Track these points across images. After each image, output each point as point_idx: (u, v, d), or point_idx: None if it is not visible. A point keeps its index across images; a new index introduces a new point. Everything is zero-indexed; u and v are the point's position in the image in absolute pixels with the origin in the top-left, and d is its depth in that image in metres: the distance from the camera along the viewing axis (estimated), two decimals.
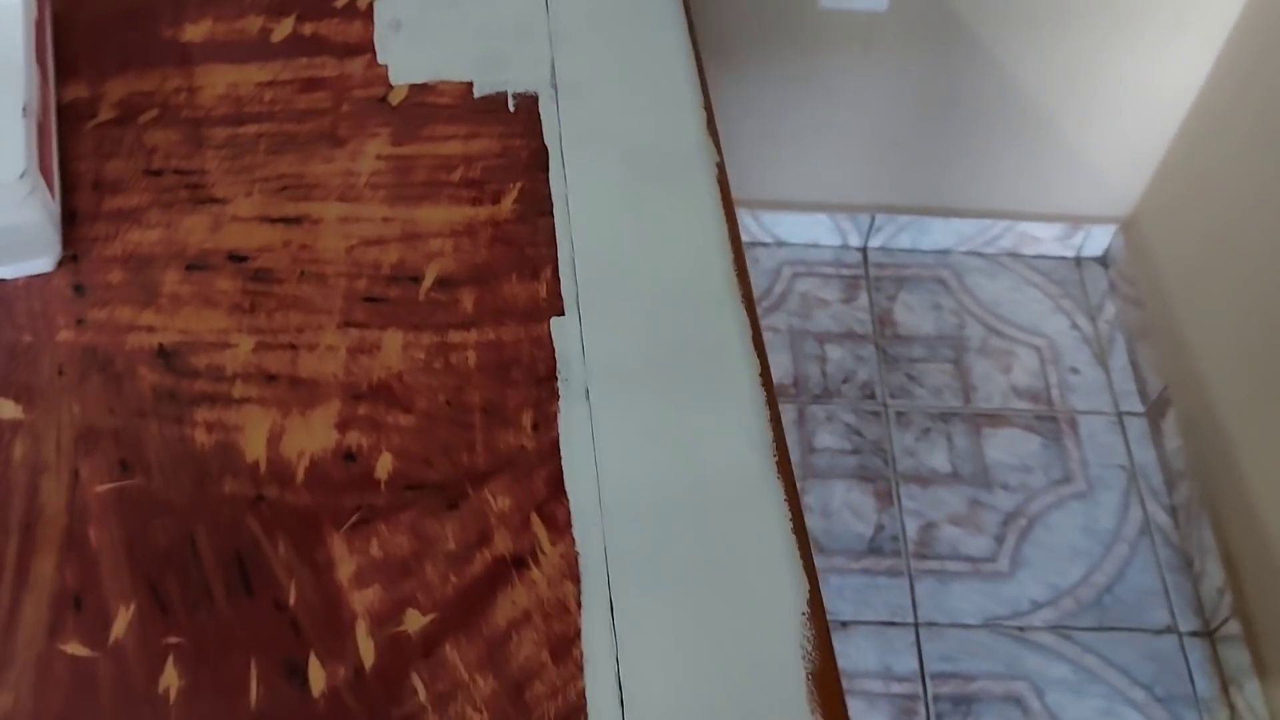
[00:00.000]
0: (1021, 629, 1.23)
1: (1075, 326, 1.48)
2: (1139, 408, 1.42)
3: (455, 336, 0.52)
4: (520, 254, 0.55)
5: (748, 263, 1.48)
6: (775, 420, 0.50)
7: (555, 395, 0.50)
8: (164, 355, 0.51)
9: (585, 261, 0.55)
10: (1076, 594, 1.27)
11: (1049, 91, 1.36)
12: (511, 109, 0.61)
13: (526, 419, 0.49)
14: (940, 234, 1.53)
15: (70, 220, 0.55)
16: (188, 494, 0.47)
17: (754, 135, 1.41)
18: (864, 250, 1.54)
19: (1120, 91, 1.35)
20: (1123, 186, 1.48)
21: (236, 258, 0.54)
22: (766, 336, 1.44)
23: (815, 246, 1.54)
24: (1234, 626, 1.20)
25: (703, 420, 0.50)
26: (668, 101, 0.62)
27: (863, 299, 1.49)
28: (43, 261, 0.53)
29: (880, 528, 1.30)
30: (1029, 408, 1.41)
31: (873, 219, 1.51)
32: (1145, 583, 1.28)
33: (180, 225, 0.55)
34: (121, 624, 0.44)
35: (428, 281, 0.54)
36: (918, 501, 1.32)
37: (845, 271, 1.52)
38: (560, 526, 0.46)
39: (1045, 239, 1.54)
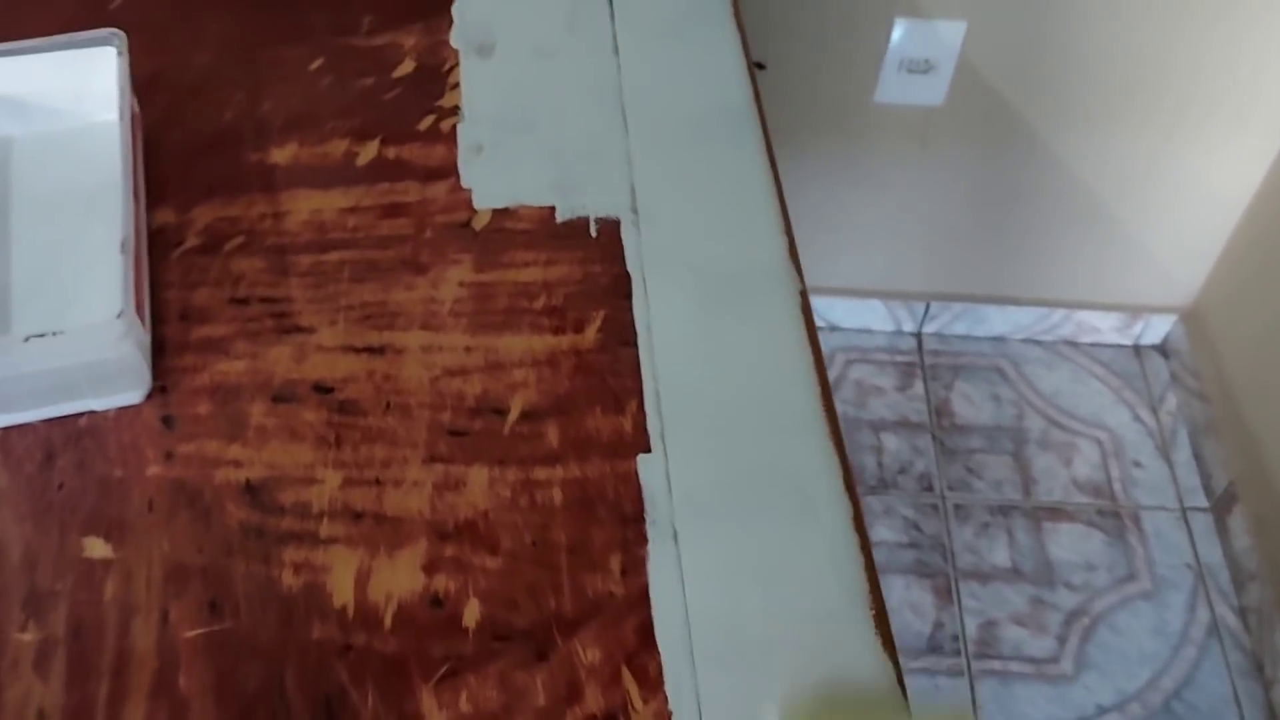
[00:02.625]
0: None
1: (1137, 419, 1.46)
2: (1204, 503, 1.39)
3: (540, 473, 0.51)
4: (603, 385, 0.55)
5: None
6: (870, 569, 0.49)
7: (644, 538, 0.49)
8: (251, 491, 0.51)
9: (669, 393, 0.54)
10: (1144, 699, 1.23)
11: (1107, 185, 1.35)
12: (594, 234, 0.61)
13: (615, 563, 0.49)
14: (997, 322, 1.52)
15: (159, 350, 0.55)
16: (275, 637, 0.47)
17: (805, 220, 1.41)
18: (918, 336, 1.53)
19: (1180, 185, 1.34)
20: (1183, 276, 1.46)
21: (322, 389, 0.54)
22: None
23: (868, 332, 1.53)
24: None
25: (793, 563, 0.49)
26: (749, 226, 0.62)
27: (918, 387, 1.48)
28: (133, 394, 0.53)
29: (940, 625, 1.28)
30: (1091, 502, 1.38)
31: (927, 306, 1.51)
32: (1215, 688, 1.24)
33: (266, 355, 0.55)
34: None
35: (513, 414, 0.53)
36: (978, 599, 1.30)
37: (900, 358, 1.51)
38: (652, 682, 0.45)
39: (1104, 328, 1.52)
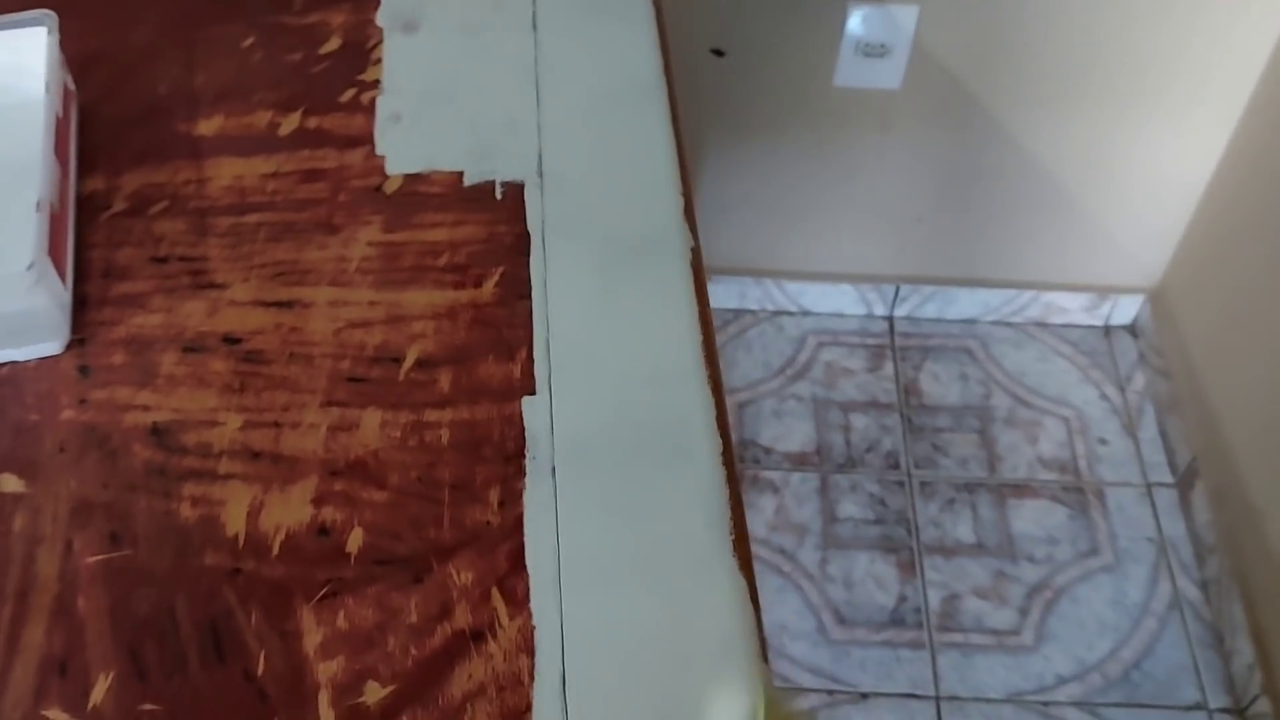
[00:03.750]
0: (1046, 704, 1.22)
1: (1104, 397, 1.48)
2: (1169, 479, 1.41)
3: (431, 415, 0.54)
4: (498, 335, 0.58)
5: (771, 331, 1.50)
6: (735, 499, 0.52)
7: (522, 473, 0.52)
8: (157, 433, 0.54)
9: (559, 343, 0.57)
10: (1103, 669, 1.25)
11: (1068, 165, 1.37)
12: (499, 196, 0.64)
13: (494, 496, 0.52)
14: (966, 304, 1.54)
15: (81, 306, 0.58)
16: (170, 565, 0.50)
17: (774, 207, 1.43)
18: (889, 319, 1.55)
19: (1139, 165, 1.36)
20: (1149, 256, 1.48)
21: (231, 340, 0.57)
22: (789, 404, 1.46)
23: (840, 316, 1.55)
24: (1264, 704, 1.17)
25: (661, 498, 0.52)
26: (649, 190, 0.64)
27: (888, 368, 1.50)
28: (52, 345, 0.56)
29: (903, 599, 1.30)
30: (1056, 478, 1.40)
31: (897, 289, 1.53)
32: (1174, 658, 1.26)
33: (181, 310, 0.58)
34: (100, 690, 0.46)
35: (408, 362, 0.57)
36: (941, 573, 1.32)
37: (870, 341, 1.53)
38: (519, 600, 0.48)
39: (1073, 309, 1.54)
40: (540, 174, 0.65)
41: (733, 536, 0.51)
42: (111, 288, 0.59)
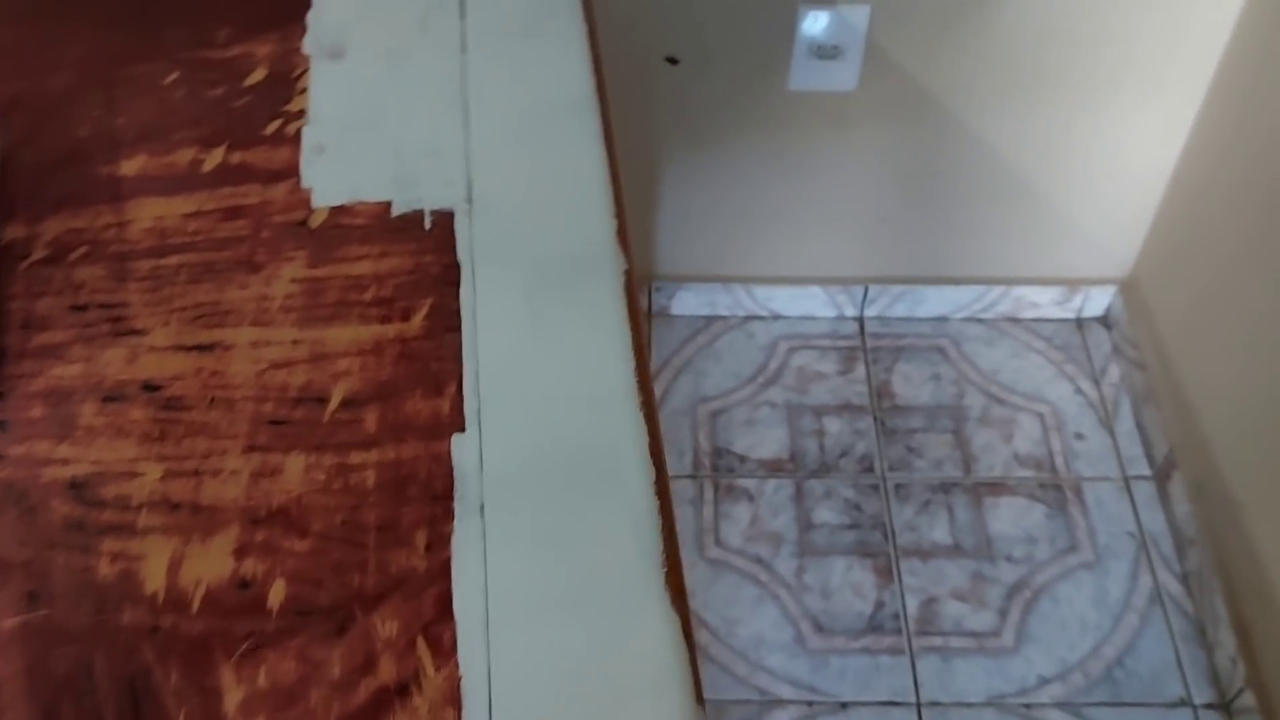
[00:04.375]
0: (1028, 706, 1.21)
1: (1079, 391, 1.47)
2: (1146, 471, 1.40)
3: (356, 457, 0.53)
4: (425, 370, 0.56)
5: (742, 338, 1.49)
6: (668, 529, 0.51)
7: (450, 514, 0.51)
8: (75, 487, 0.52)
9: (489, 375, 0.56)
10: (1085, 668, 1.24)
11: (1031, 157, 1.36)
12: (428, 226, 0.63)
13: (420, 539, 0.50)
14: (936, 302, 1.53)
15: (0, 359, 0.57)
16: (88, 624, 0.48)
17: (738, 212, 1.42)
18: (860, 320, 1.54)
19: (1104, 153, 1.35)
20: (1119, 247, 1.47)
21: (150, 387, 0.56)
22: (763, 411, 1.44)
23: (810, 319, 1.54)
24: (1249, 698, 1.16)
25: (593, 530, 0.50)
26: (581, 212, 0.63)
27: (860, 371, 1.49)
28: None
29: (880, 605, 1.29)
30: (1032, 475, 1.39)
31: (866, 290, 1.52)
32: (1157, 654, 1.25)
33: (100, 359, 0.57)
34: None
35: (333, 402, 0.55)
36: (919, 577, 1.31)
37: (842, 343, 1.52)
38: (445, 650, 0.47)
39: (1044, 303, 1.53)
40: (469, 200, 0.64)
41: (665, 569, 0.49)
42: (31, 339, 0.58)
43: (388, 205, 0.64)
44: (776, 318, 1.54)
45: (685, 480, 1.38)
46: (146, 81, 0.71)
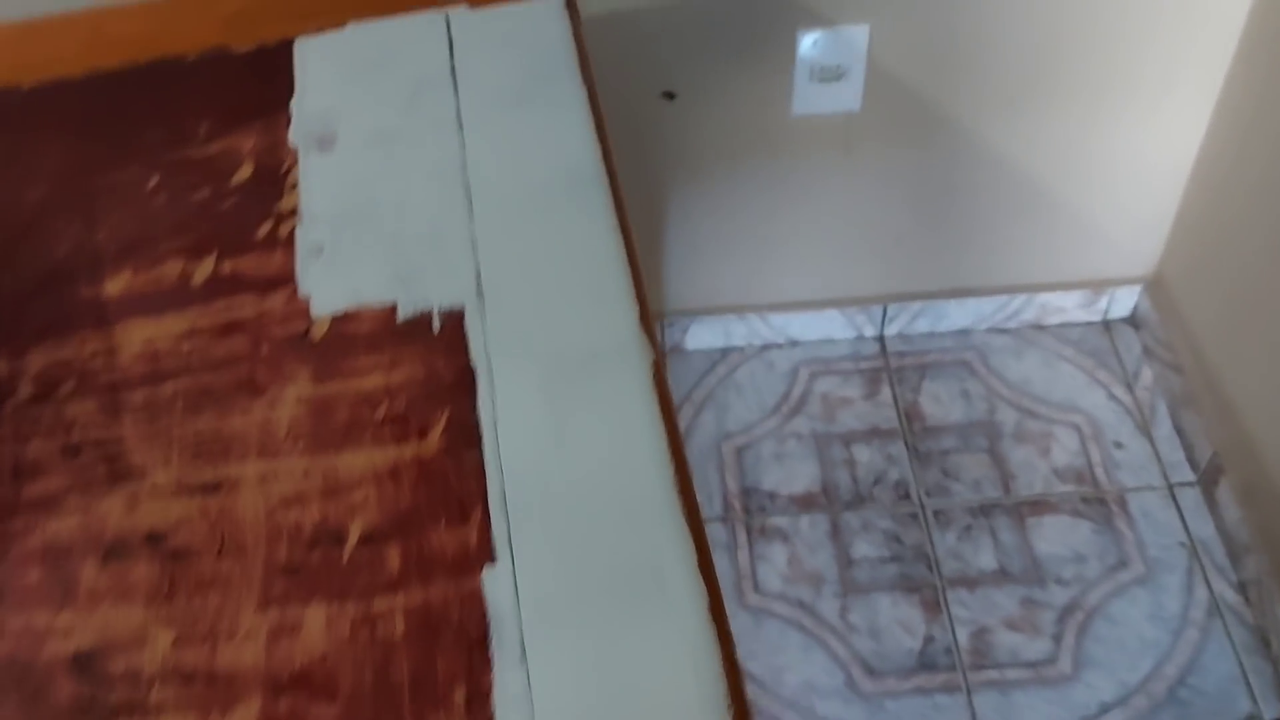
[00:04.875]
0: None
1: (1113, 397, 1.42)
2: (1190, 477, 1.35)
3: (381, 603, 0.49)
4: (447, 493, 0.52)
5: (761, 367, 1.44)
6: (729, 663, 0.46)
7: (488, 662, 0.47)
8: (80, 662, 0.48)
9: (517, 493, 0.52)
10: (1149, 689, 1.19)
11: (1045, 163, 1.31)
12: (436, 329, 0.59)
13: (459, 695, 0.46)
14: (958, 315, 1.49)
15: None
16: None
17: (747, 241, 1.38)
18: (881, 339, 1.49)
19: (1120, 154, 1.31)
20: (1141, 245, 1.42)
21: (154, 538, 0.52)
22: (789, 444, 1.40)
23: (830, 342, 1.50)
24: None
25: (646, 668, 0.46)
26: (598, 299, 0.59)
27: (886, 393, 1.44)
28: None
29: (930, 640, 1.24)
30: (1074, 490, 1.34)
31: (885, 309, 1.47)
32: (1221, 669, 1.20)
33: (98, 508, 0.53)
34: None
35: (351, 540, 0.51)
36: (968, 607, 1.26)
37: (864, 365, 1.47)
38: None
39: (1069, 307, 1.48)
40: (479, 294, 0.60)
41: (732, 711, 0.45)
42: (23, 490, 0.54)
43: (393, 308, 0.60)
44: (794, 344, 1.50)
45: (716, 524, 1.33)
46: (126, 189, 0.67)
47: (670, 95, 1.21)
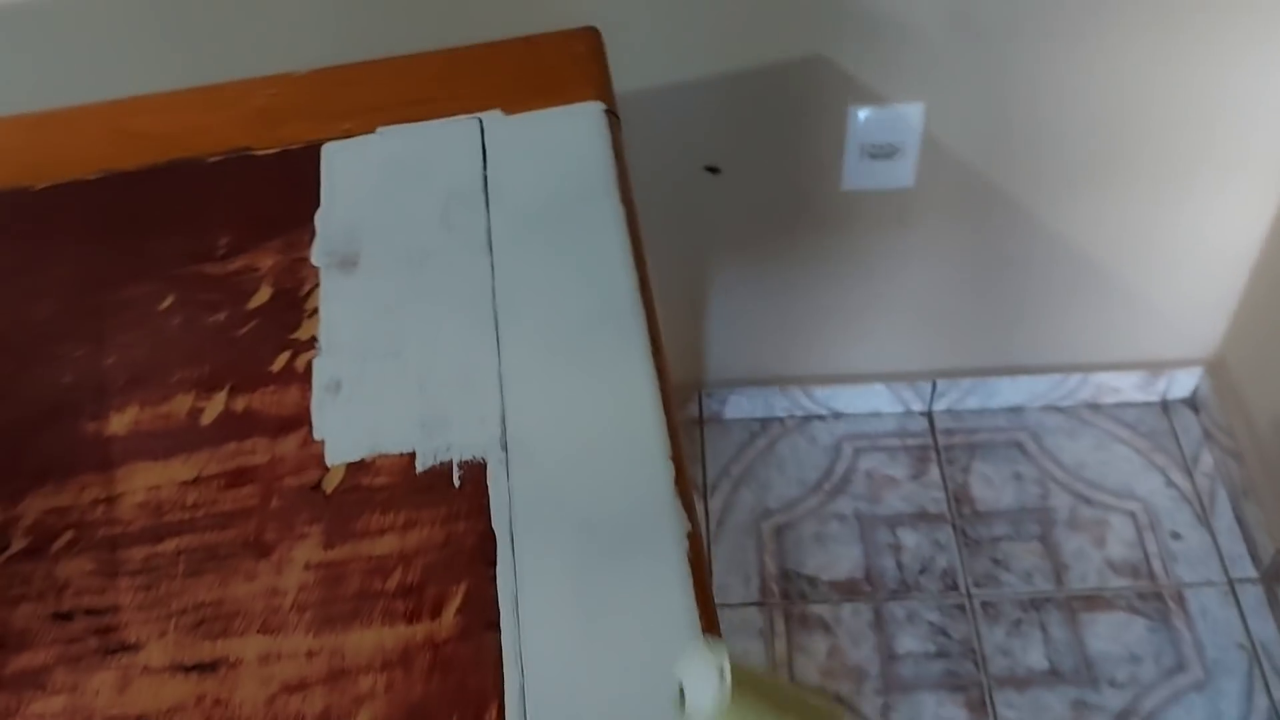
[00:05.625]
0: None
1: (1171, 483, 1.36)
2: (1252, 573, 1.28)
3: None
4: (461, 687, 0.48)
5: (803, 440, 1.39)
6: None
7: None
8: None
9: (537, 690, 0.47)
10: None
11: (1103, 245, 1.26)
12: (457, 483, 0.54)
13: None
14: (1010, 392, 1.43)
15: None
16: None
17: (790, 313, 1.33)
18: (929, 415, 1.44)
19: (1182, 235, 1.25)
20: (1202, 327, 1.36)
21: None
22: (832, 525, 1.35)
23: (876, 416, 1.45)
24: None
25: None
26: (631, 456, 0.54)
27: (934, 473, 1.39)
28: None
29: None
30: (1129, 585, 1.28)
31: (934, 384, 1.42)
32: None
33: (87, 687, 0.49)
34: None
35: None
36: (1016, 709, 1.20)
37: (911, 442, 1.42)
38: None
39: (1125, 387, 1.42)
40: (504, 446, 0.56)
41: None
42: (7, 663, 0.50)
43: (411, 458, 0.56)
44: (838, 416, 1.45)
45: (752, 608, 1.29)
46: (139, 308, 0.64)
47: (714, 170, 1.17)
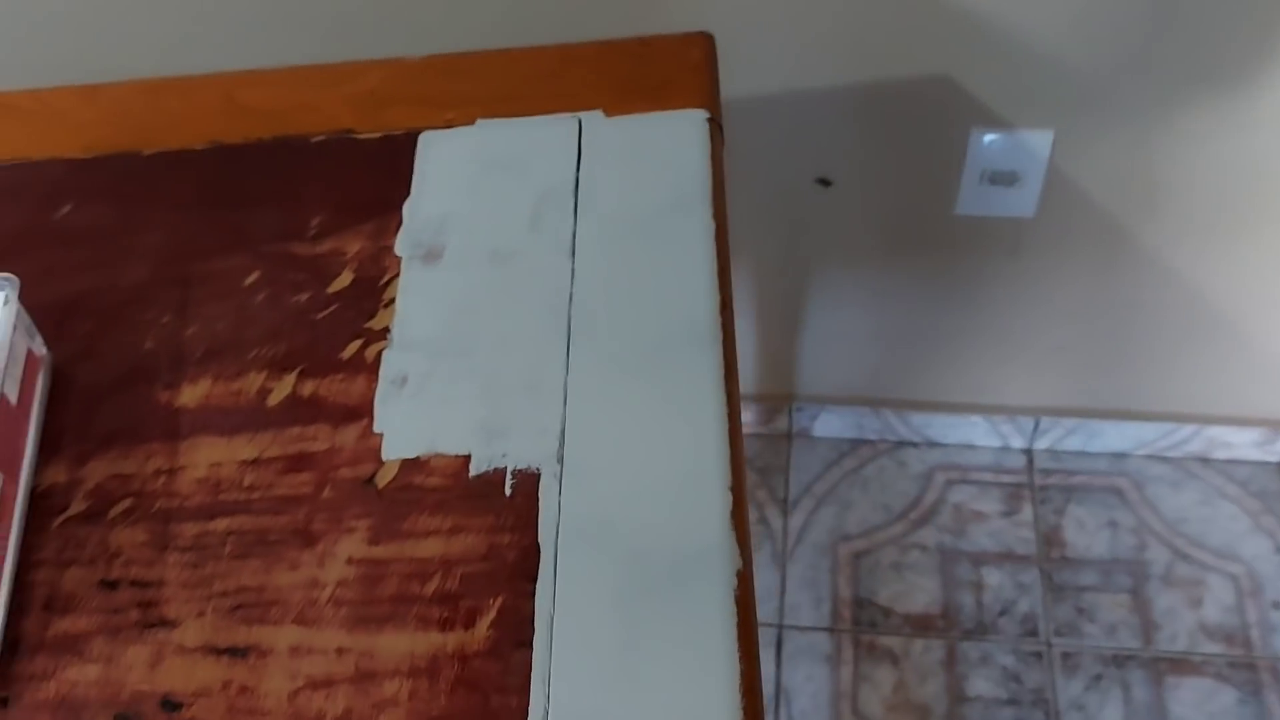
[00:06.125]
0: None
1: (1279, 550, 1.28)
2: None
3: None
4: (484, 706, 0.47)
5: (893, 465, 1.36)
6: None
7: None
8: None
9: (560, 716, 0.46)
10: None
11: (1229, 294, 1.19)
12: (508, 492, 0.54)
13: None
14: (1115, 437, 1.37)
15: (13, 649, 0.50)
16: None
17: (891, 335, 1.30)
18: (1029, 454, 1.39)
19: None
20: None
21: (170, 704, 0.48)
22: (913, 555, 1.31)
23: (971, 448, 1.40)
24: None
25: None
26: (689, 486, 0.53)
27: (1026, 512, 1.34)
28: None
29: None
30: (1222, 651, 1.22)
31: (1036, 421, 1.37)
32: None
33: (121, 659, 0.50)
34: None
35: None
36: None
37: (1006, 479, 1.37)
38: None
39: (1241, 443, 1.35)
40: (560, 459, 0.55)
41: None
42: (51, 624, 0.51)
43: (466, 460, 0.55)
44: (932, 445, 1.40)
45: (822, 633, 1.26)
46: (225, 281, 0.64)
47: (826, 182, 1.14)
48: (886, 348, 1.32)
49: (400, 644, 0.49)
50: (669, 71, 0.72)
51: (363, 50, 0.80)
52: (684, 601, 0.49)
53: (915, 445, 1.40)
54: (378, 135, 0.71)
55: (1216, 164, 1.06)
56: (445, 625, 0.50)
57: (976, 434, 1.39)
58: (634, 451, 0.54)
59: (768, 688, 1.22)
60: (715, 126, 0.70)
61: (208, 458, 0.56)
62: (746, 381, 1.39)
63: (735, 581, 0.50)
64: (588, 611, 0.49)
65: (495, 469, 0.55)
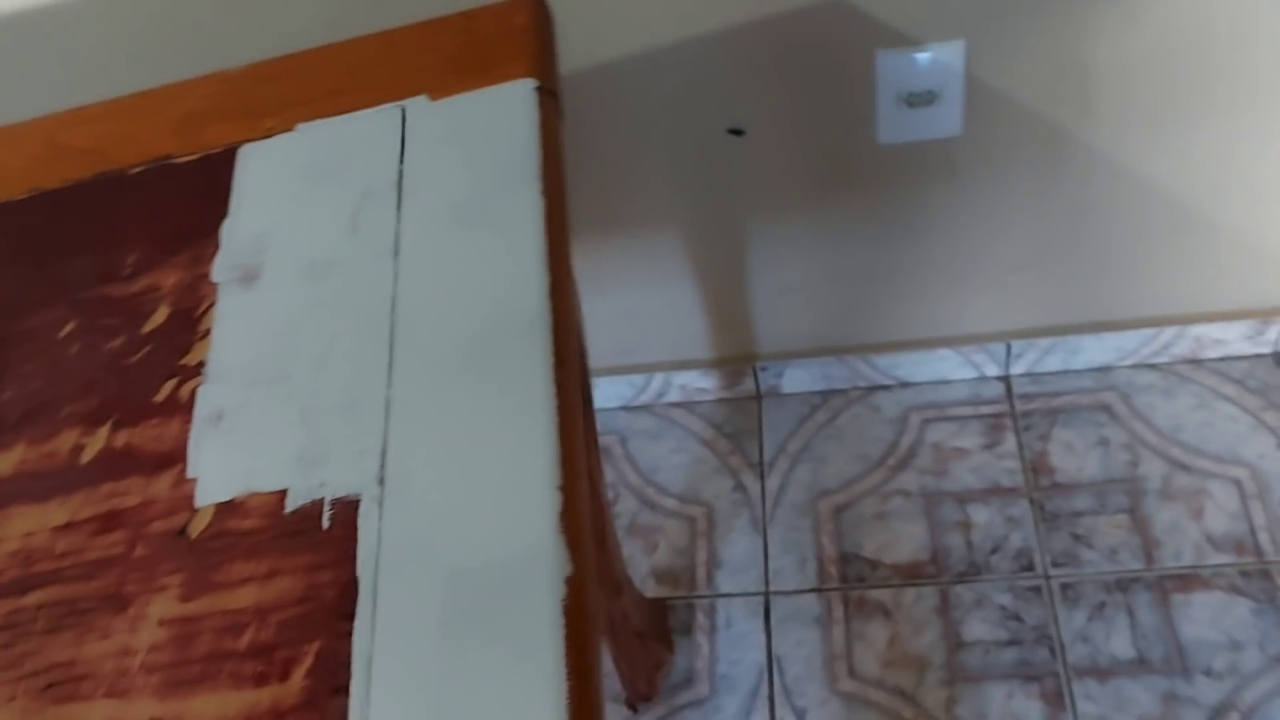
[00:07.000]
0: None
1: None
2: None
3: None
4: None
5: (866, 411, 1.31)
6: None
7: None
8: None
9: None
10: None
11: (1195, 182, 1.13)
12: (326, 524, 0.50)
13: None
14: (1095, 350, 1.31)
15: None
16: None
17: (842, 280, 1.24)
18: (1005, 380, 1.33)
19: None
20: None
21: None
22: (895, 502, 1.26)
23: (945, 384, 1.34)
24: None
25: None
26: (514, 488, 0.49)
27: (1009, 442, 1.28)
28: None
29: None
30: (1231, 561, 1.16)
31: (1009, 346, 1.31)
32: None
33: None
34: None
35: None
36: (1097, 702, 1.10)
37: (985, 410, 1.31)
38: None
39: (1231, 339, 1.28)
40: (381, 481, 0.50)
41: None
42: None
43: (283, 496, 0.51)
44: (905, 385, 1.35)
45: (809, 595, 1.21)
46: (41, 336, 0.61)
47: (738, 131, 1.08)
48: (840, 293, 1.26)
49: (211, 707, 0.45)
50: (494, 43, 0.67)
51: (200, 67, 0.76)
52: (506, 619, 0.45)
53: (887, 388, 1.35)
54: (196, 157, 0.67)
55: (1145, 45, 1.00)
56: (259, 680, 0.46)
57: (948, 367, 1.33)
58: (458, 461, 0.50)
59: (758, 658, 1.18)
60: (547, 94, 0.65)
61: (20, 528, 0.53)
62: (705, 348, 1.34)
63: (564, 590, 0.45)
64: (408, 646, 0.45)
65: (313, 501, 0.51)
